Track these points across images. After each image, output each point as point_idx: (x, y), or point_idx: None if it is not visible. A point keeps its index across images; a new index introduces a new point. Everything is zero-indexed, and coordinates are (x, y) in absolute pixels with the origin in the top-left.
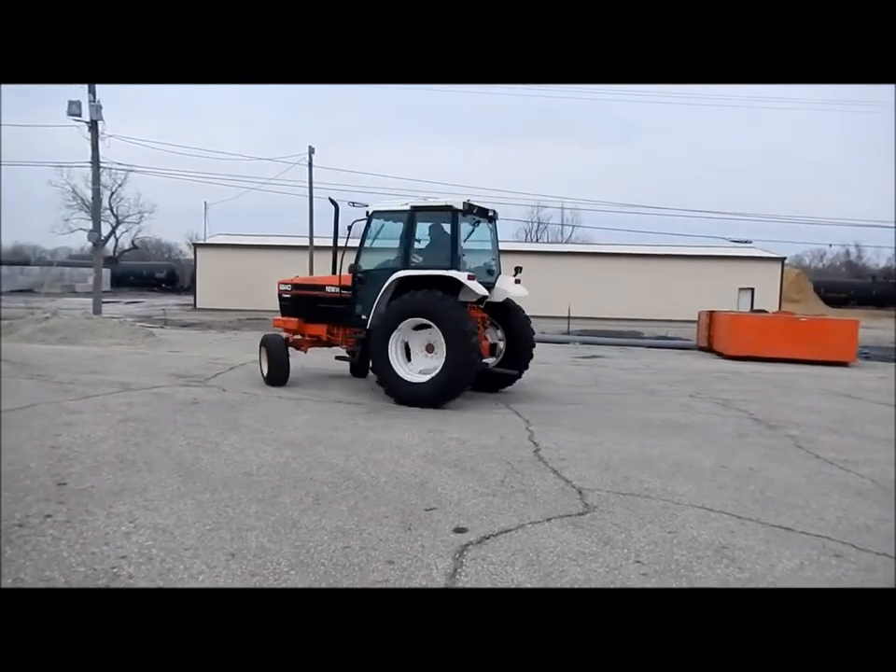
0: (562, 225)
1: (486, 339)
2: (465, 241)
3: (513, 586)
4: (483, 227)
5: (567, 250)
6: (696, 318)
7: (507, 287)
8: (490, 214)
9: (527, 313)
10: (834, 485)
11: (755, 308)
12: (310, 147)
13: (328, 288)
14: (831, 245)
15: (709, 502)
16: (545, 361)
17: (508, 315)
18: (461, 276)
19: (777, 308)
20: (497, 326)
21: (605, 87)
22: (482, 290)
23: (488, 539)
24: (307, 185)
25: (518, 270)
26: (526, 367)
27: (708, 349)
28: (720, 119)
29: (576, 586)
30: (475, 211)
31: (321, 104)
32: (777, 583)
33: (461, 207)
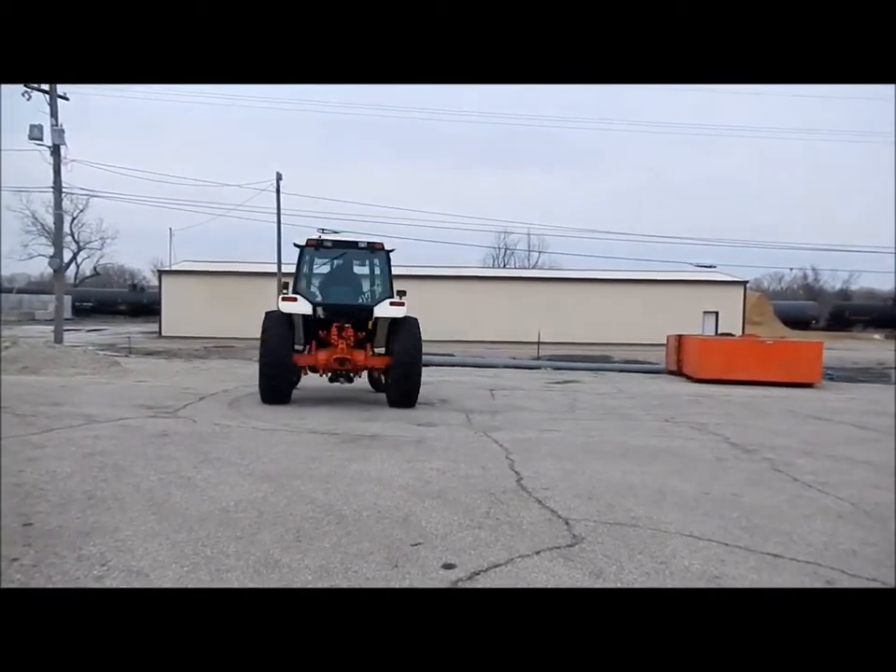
0: (528, 251)
1: (332, 353)
2: (330, 269)
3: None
4: (355, 258)
5: (534, 276)
6: (664, 342)
7: (381, 309)
8: (362, 246)
9: (496, 338)
10: (816, 509)
11: (720, 331)
12: (277, 172)
13: None
14: (791, 269)
15: (696, 530)
16: (520, 387)
17: (391, 334)
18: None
19: (740, 330)
20: (379, 342)
21: (571, 113)
22: (290, 309)
23: (478, 574)
24: (275, 211)
25: (401, 293)
26: (400, 378)
27: (678, 372)
28: (684, 146)
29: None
30: (328, 245)
31: (289, 129)
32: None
33: (302, 244)
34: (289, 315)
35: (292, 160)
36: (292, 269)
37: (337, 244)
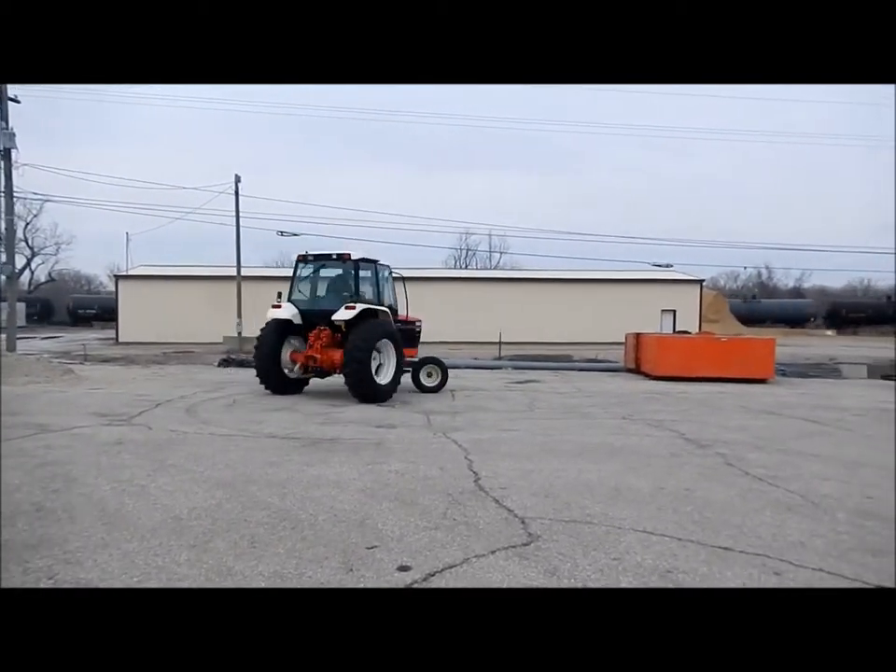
0: (490, 252)
1: (306, 352)
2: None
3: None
4: (338, 269)
5: (496, 276)
6: (623, 340)
7: (338, 313)
8: (335, 257)
9: (458, 339)
10: (766, 502)
11: (678, 329)
12: (236, 175)
13: None
14: (745, 268)
15: (650, 525)
16: (481, 388)
17: (348, 334)
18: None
19: (697, 328)
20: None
21: (530, 117)
22: (273, 315)
23: (433, 575)
24: (234, 214)
25: (353, 298)
26: (348, 374)
27: (636, 370)
28: (644, 150)
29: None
30: (311, 259)
31: (251, 132)
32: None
33: (301, 255)
34: (286, 321)
35: (256, 162)
36: (256, 272)
37: (317, 257)
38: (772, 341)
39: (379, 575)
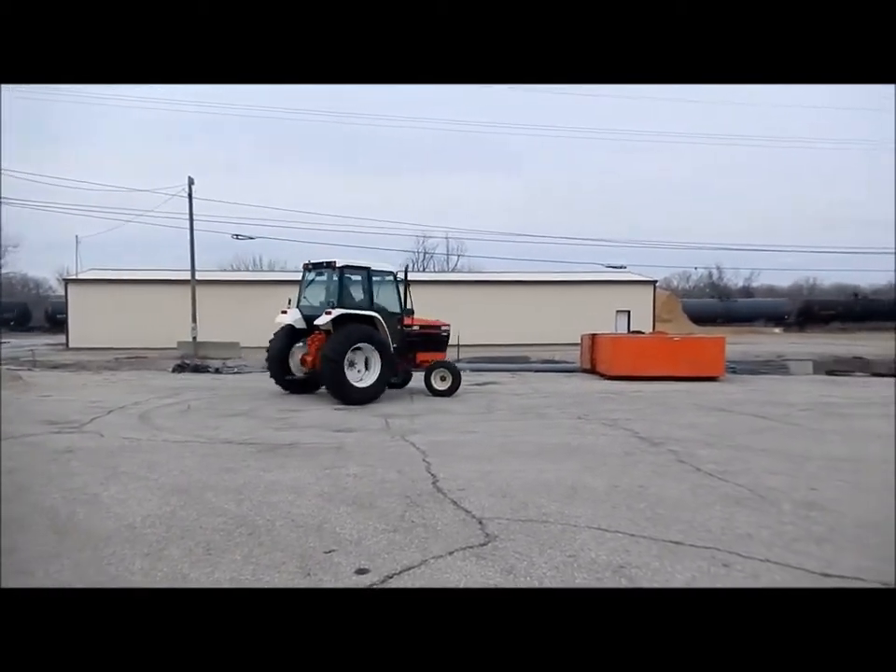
0: (447, 254)
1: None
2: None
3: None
4: (326, 276)
5: (453, 279)
6: (579, 341)
7: (319, 318)
8: (325, 265)
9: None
10: (716, 497)
11: (632, 329)
12: (189, 177)
13: None
14: (696, 269)
15: (605, 523)
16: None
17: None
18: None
19: (651, 328)
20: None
21: (482, 119)
22: (278, 320)
23: (391, 577)
24: (188, 217)
25: (331, 303)
26: (321, 374)
27: (592, 371)
28: (598, 151)
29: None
30: (311, 267)
31: (206, 133)
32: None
33: (305, 264)
34: (292, 326)
35: (211, 163)
36: (212, 276)
37: (315, 265)
38: (722, 339)
39: (337, 579)
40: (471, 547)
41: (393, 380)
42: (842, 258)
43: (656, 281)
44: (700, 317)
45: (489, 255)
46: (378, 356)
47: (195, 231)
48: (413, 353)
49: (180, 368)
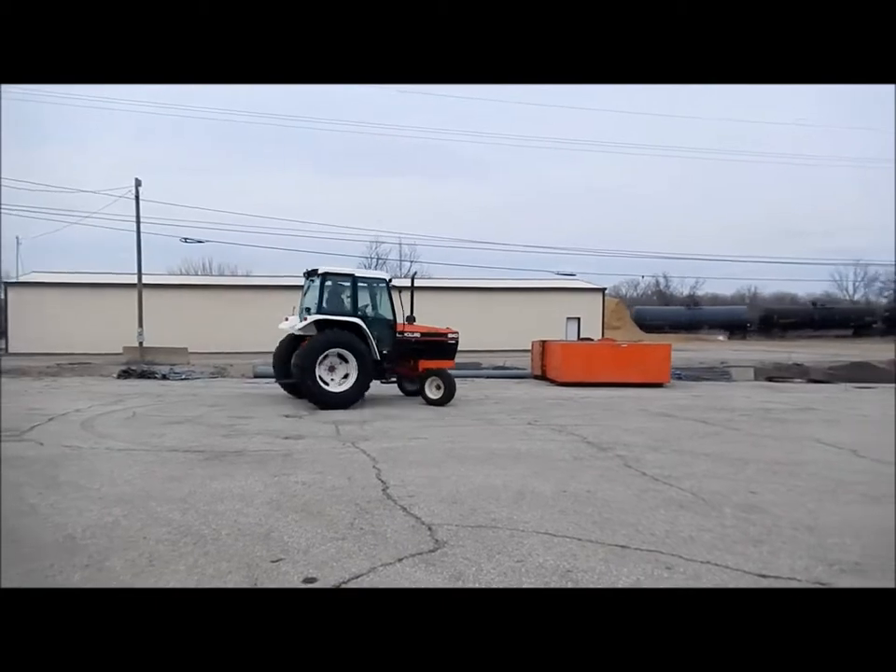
0: (400, 260)
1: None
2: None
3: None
4: (313, 283)
5: (406, 285)
6: (530, 348)
7: (298, 327)
8: (311, 273)
9: None
10: (661, 501)
11: (582, 336)
12: (136, 179)
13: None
14: (643, 277)
15: (552, 527)
16: (390, 397)
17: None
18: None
19: (600, 335)
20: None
21: (436, 126)
22: (281, 326)
23: (339, 586)
24: (135, 219)
25: (308, 310)
26: (295, 378)
27: (542, 377)
28: (550, 161)
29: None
30: (306, 276)
31: (154, 134)
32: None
33: (304, 272)
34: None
35: (159, 165)
36: (159, 280)
37: (308, 273)
38: (668, 346)
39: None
40: (420, 554)
41: (409, 387)
42: (781, 267)
43: (605, 289)
44: (669, 324)
45: (441, 261)
46: (355, 361)
47: (143, 234)
48: (414, 360)
49: (126, 374)
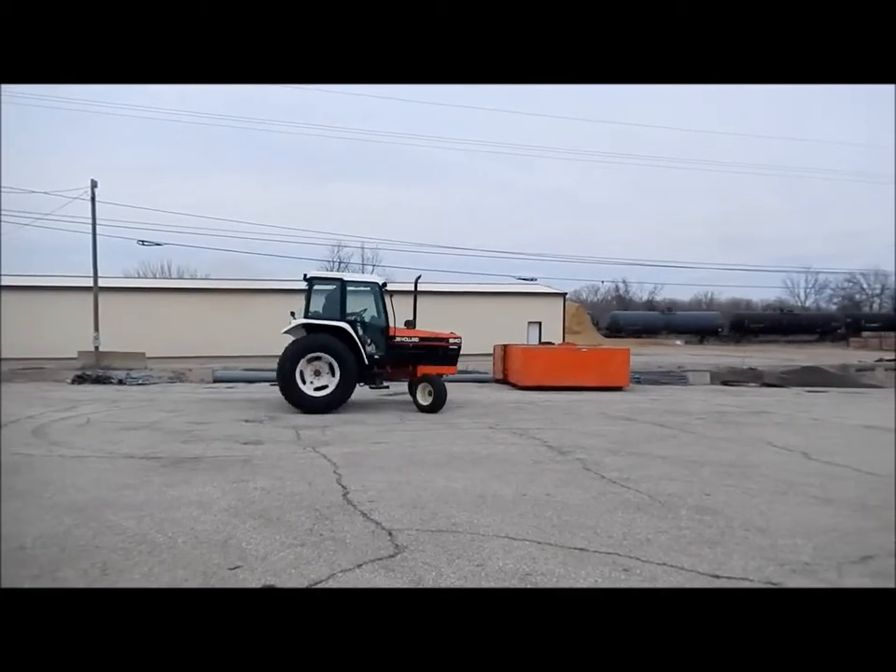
0: (362, 264)
1: None
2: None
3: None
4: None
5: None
6: (492, 352)
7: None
8: (304, 278)
9: None
10: (619, 503)
11: (543, 340)
12: (92, 180)
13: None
14: (603, 282)
15: (512, 531)
16: (352, 401)
17: None
18: None
19: (561, 339)
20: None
21: (405, 130)
22: (283, 331)
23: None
24: (91, 221)
25: (293, 314)
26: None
27: (504, 381)
28: (511, 165)
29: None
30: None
31: (110, 135)
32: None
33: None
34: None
35: (116, 167)
36: (112, 283)
37: (305, 279)
38: (627, 351)
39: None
40: (380, 559)
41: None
42: (735, 274)
43: (566, 293)
44: (645, 329)
45: (404, 265)
46: (337, 366)
47: (99, 237)
48: (412, 365)
49: (80, 379)
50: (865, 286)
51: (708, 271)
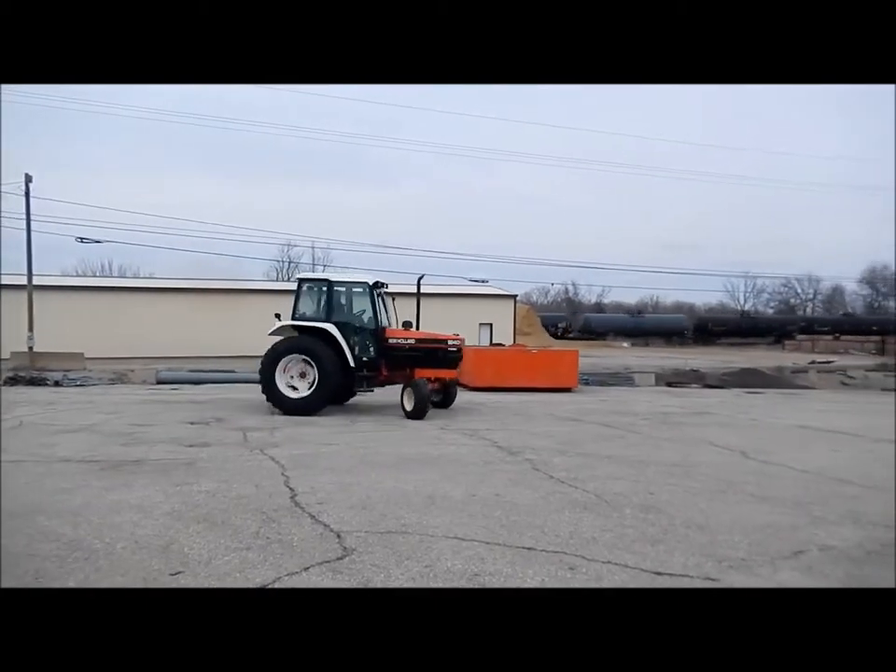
0: (313, 264)
1: None
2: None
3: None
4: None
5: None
6: None
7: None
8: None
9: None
10: (566, 503)
11: (494, 341)
12: (27, 174)
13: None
14: (553, 284)
15: (461, 532)
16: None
17: None
18: None
19: (512, 340)
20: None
21: (358, 131)
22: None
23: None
24: (24, 217)
25: (277, 316)
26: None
27: (456, 382)
28: (464, 168)
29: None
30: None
31: (51, 130)
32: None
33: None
34: None
35: (55, 162)
36: (48, 281)
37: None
38: (575, 353)
39: None
40: (328, 561)
41: (434, 398)
42: (679, 278)
43: (517, 295)
44: (615, 331)
45: (355, 266)
46: (316, 368)
47: (34, 233)
48: (408, 368)
49: (12, 381)
50: (799, 290)
51: (654, 274)
